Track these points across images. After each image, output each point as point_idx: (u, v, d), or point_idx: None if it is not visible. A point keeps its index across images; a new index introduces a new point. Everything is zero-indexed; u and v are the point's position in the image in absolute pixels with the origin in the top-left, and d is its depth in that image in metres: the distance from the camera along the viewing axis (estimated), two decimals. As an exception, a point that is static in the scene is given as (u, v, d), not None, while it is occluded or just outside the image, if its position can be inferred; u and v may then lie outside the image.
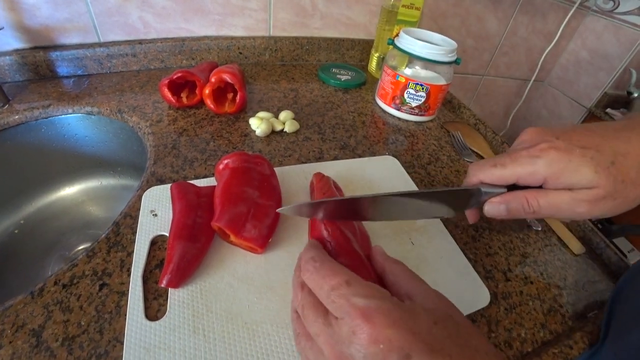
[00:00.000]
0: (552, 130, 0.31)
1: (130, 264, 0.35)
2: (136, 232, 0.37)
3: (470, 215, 0.37)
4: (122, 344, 0.29)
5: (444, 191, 0.33)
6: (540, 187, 0.31)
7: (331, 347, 0.22)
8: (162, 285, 0.32)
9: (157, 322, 0.30)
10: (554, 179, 0.29)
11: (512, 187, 0.32)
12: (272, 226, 0.38)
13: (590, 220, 0.51)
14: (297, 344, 0.26)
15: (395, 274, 0.28)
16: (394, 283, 0.27)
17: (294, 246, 0.38)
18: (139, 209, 0.40)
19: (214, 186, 0.40)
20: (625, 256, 0.85)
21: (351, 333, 0.21)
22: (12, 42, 0.61)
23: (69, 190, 0.66)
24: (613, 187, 0.28)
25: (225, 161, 0.41)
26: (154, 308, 0.32)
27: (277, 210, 0.34)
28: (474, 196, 0.33)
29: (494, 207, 0.33)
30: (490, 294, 0.38)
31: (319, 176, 0.43)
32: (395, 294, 0.25)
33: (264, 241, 0.36)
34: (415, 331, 0.21)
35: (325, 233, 0.32)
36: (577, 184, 0.29)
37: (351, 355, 0.21)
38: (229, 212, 0.35)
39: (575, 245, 0.47)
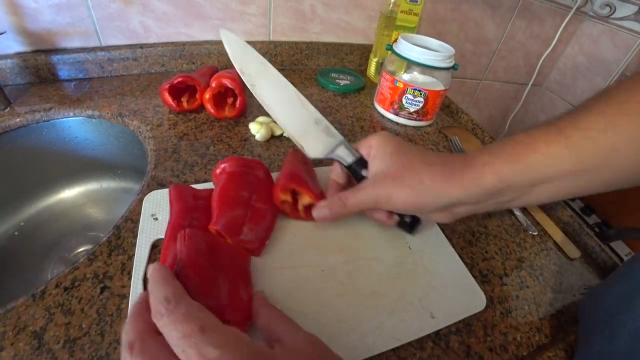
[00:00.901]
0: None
1: (131, 268, 0.35)
2: (137, 236, 0.38)
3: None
4: (123, 346, 0.30)
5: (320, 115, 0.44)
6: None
7: None
8: None
9: (157, 325, 0.31)
10: (371, 162, 0.38)
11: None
12: (268, 229, 0.39)
13: (587, 224, 0.51)
14: None
15: (268, 318, 0.27)
16: (265, 328, 0.27)
17: (290, 249, 0.39)
18: (140, 213, 0.40)
19: (211, 189, 0.41)
20: (622, 260, 0.85)
21: None
22: (14, 45, 0.62)
23: (69, 193, 0.67)
24: (395, 171, 0.35)
25: (222, 165, 0.41)
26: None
27: None
28: (333, 138, 0.43)
29: (320, 210, 0.38)
30: (487, 298, 0.38)
31: (291, 152, 0.47)
32: (266, 339, 0.25)
33: (260, 244, 0.37)
34: None
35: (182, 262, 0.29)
36: (377, 169, 0.37)
37: None
38: (226, 216, 0.36)
39: (571, 250, 0.48)
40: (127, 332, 0.23)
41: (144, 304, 0.24)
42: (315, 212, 0.38)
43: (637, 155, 0.29)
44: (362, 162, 0.39)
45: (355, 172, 0.40)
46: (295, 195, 0.42)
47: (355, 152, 0.40)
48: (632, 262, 0.35)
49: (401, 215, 0.40)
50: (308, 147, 0.42)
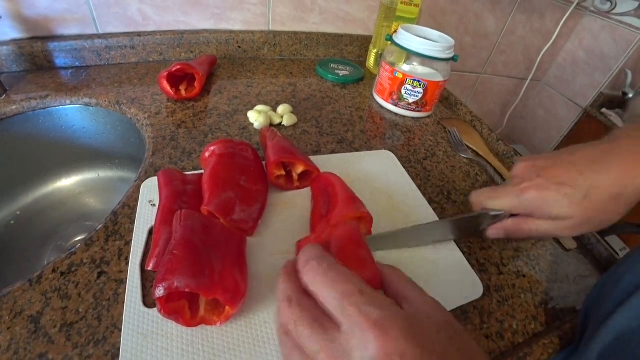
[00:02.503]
0: (536, 165, 0.37)
1: (129, 253, 0.35)
2: (134, 222, 0.38)
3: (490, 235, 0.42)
4: (120, 330, 0.30)
5: (461, 219, 0.40)
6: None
7: None
8: (149, 269, 0.33)
9: (154, 309, 0.31)
10: (537, 212, 0.37)
11: None
12: (260, 210, 0.39)
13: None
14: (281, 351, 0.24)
15: (392, 277, 0.27)
16: (390, 286, 0.27)
17: (282, 230, 0.39)
18: (138, 199, 0.40)
19: (200, 174, 0.41)
20: (617, 254, 0.86)
21: (363, 346, 0.20)
22: (9, 32, 0.61)
23: (66, 182, 0.66)
24: (585, 217, 0.35)
25: (212, 148, 0.41)
26: (152, 295, 0.32)
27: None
28: (483, 219, 0.40)
29: (494, 232, 0.41)
30: (484, 286, 0.38)
31: (267, 130, 0.49)
32: (391, 297, 0.25)
33: (253, 224, 0.37)
34: (424, 341, 0.21)
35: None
36: (556, 216, 0.36)
37: None
38: (218, 197, 0.36)
39: (567, 241, 0.48)
40: (284, 288, 0.24)
41: (292, 268, 0.25)
42: (492, 232, 0.41)
43: None
44: None
45: None
46: (287, 167, 0.44)
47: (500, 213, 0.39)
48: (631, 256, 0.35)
49: None
50: None
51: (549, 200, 0.35)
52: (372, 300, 0.21)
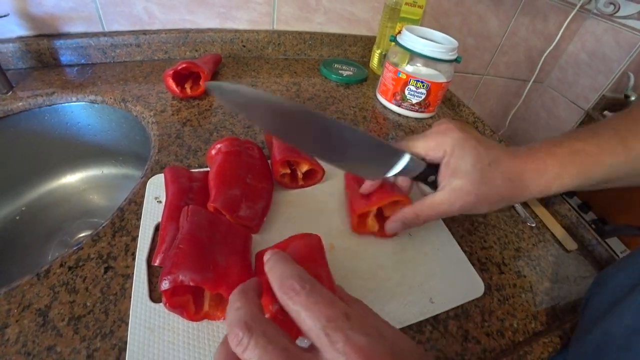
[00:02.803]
0: (462, 127, 0.37)
1: (135, 248, 0.35)
2: (140, 218, 0.38)
3: (372, 186, 0.39)
4: (127, 324, 0.30)
5: (374, 139, 0.35)
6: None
7: None
8: (156, 264, 0.33)
9: (161, 304, 0.31)
10: (446, 159, 0.35)
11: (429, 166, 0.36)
12: (265, 207, 0.40)
13: (583, 219, 0.52)
14: None
15: (361, 315, 0.25)
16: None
17: (287, 228, 0.40)
18: (144, 196, 0.41)
19: (206, 171, 0.41)
20: (618, 256, 0.86)
21: None
22: (16, 29, 0.61)
23: (71, 178, 0.67)
24: (479, 182, 0.34)
25: (218, 146, 0.42)
26: (159, 290, 0.33)
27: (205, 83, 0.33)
28: (396, 158, 0.35)
29: (393, 224, 0.38)
30: (485, 285, 0.39)
31: None
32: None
33: (259, 221, 0.38)
34: None
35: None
36: (456, 171, 0.34)
37: None
38: (224, 194, 0.37)
39: (568, 242, 0.48)
40: (239, 313, 0.20)
41: (251, 286, 0.23)
42: (388, 226, 0.38)
43: None
44: (428, 169, 0.36)
45: (419, 178, 0.37)
46: (291, 166, 0.45)
47: (418, 160, 0.36)
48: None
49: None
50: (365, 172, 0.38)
51: (463, 149, 0.34)
52: (358, 325, 0.20)
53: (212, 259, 0.29)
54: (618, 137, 0.35)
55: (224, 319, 0.30)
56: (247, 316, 0.19)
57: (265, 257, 0.25)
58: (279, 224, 0.40)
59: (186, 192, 0.38)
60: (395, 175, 0.36)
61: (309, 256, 0.30)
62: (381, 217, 0.41)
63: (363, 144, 0.34)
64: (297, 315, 0.20)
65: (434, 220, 0.38)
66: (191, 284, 0.26)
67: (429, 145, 0.36)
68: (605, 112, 1.09)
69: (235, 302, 0.21)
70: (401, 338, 0.22)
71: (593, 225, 0.91)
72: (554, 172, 0.35)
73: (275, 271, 0.23)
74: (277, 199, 0.43)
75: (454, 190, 0.34)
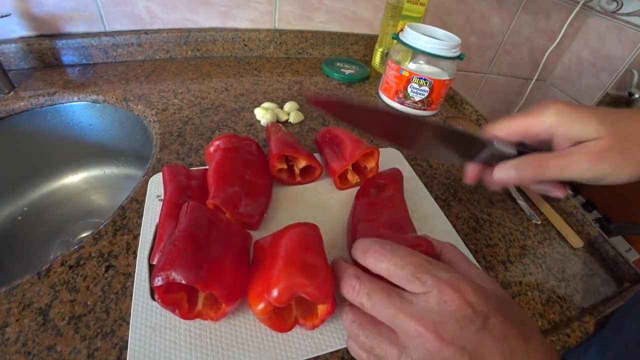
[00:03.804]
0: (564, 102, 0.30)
1: (136, 247, 0.35)
2: (142, 216, 0.38)
3: (471, 171, 0.35)
4: (128, 323, 0.30)
5: (460, 132, 0.32)
6: (548, 149, 0.31)
7: (417, 320, 0.23)
8: (154, 263, 0.33)
9: (163, 302, 0.31)
10: (560, 128, 0.29)
11: (521, 154, 0.31)
12: (265, 204, 0.40)
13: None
14: (353, 336, 0.26)
15: (451, 255, 0.30)
16: (450, 263, 0.29)
17: (282, 223, 0.39)
18: (145, 194, 0.40)
19: (205, 169, 0.41)
20: (623, 255, 0.85)
21: (442, 302, 0.23)
22: (18, 29, 0.61)
23: (73, 178, 0.67)
24: (617, 139, 0.28)
25: (216, 143, 0.42)
26: (151, 287, 0.32)
27: (306, 96, 0.37)
28: (484, 148, 0.32)
29: (503, 171, 0.31)
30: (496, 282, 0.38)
31: (272, 125, 0.50)
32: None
33: (259, 218, 0.38)
34: (489, 299, 0.24)
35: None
36: (582, 135, 0.28)
37: (443, 322, 0.23)
38: (224, 191, 0.36)
39: (574, 239, 0.48)
40: (348, 270, 0.27)
41: (342, 262, 0.29)
42: (499, 172, 0.32)
43: None
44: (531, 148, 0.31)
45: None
46: (289, 161, 0.45)
47: (506, 147, 0.31)
48: None
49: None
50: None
51: (577, 115, 0.28)
52: (440, 266, 0.25)
53: (207, 258, 0.28)
54: None
55: (215, 320, 0.30)
56: (355, 272, 0.27)
57: (352, 248, 0.29)
58: (279, 221, 0.40)
59: (185, 190, 0.38)
60: (486, 161, 0.33)
61: (305, 244, 0.30)
62: (358, 169, 0.47)
63: (451, 136, 0.33)
64: (387, 271, 0.25)
65: (558, 177, 0.30)
66: (183, 282, 0.26)
67: (527, 123, 0.30)
68: (609, 110, 1.08)
69: (343, 267, 0.28)
70: (481, 275, 0.27)
71: (597, 224, 0.91)
72: None
73: (356, 247, 0.28)
74: (276, 195, 0.43)
75: (592, 154, 0.28)
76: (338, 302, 0.28)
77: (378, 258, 0.26)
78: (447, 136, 0.33)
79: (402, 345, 0.24)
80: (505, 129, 0.31)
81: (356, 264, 0.29)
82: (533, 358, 0.23)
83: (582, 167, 0.28)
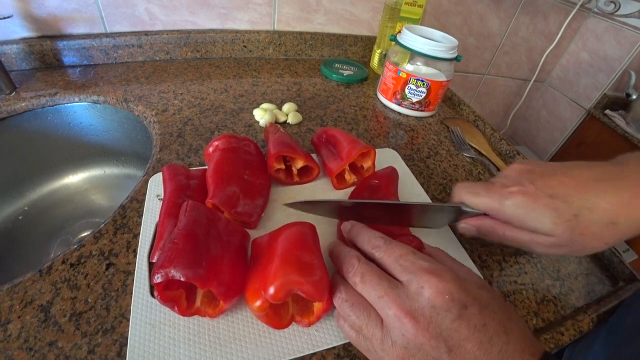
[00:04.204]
0: (532, 171, 0.33)
1: (137, 245, 0.36)
2: (142, 215, 0.38)
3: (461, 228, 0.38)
4: (128, 320, 0.30)
5: (434, 205, 0.37)
6: None
7: (397, 305, 0.25)
8: (153, 261, 0.34)
9: (162, 299, 0.31)
10: (517, 221, 0.32)
11: None
12: (263, 204, 0.40)
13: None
14: (345, 315, 0.28)
15: (440, 256, 0.31)
16: (436, 258, 0.30)
17: (279, 223, 0.40)
18: (145, 194, 0.41)
19: (204, 169, 0.41)
20: (620, 255, 0.86)
21: (420, 288, 0.25)
22: (19, 30, 0.62)
23: (73, 178, 0.67)
24: (569, 238, 0.30)
25: (215, 143, 0.42)
26: (151, 283, 0.33)
27: (284, 204, 0.38)
28: (456, 212, 0.36)
29: (466, 227, 0.37)
30: (486, 282, 0.38)
31: (271, 125, 0.51)
32: None
33: (257, 217, 0.38)
34: (469, 289, 0.25)
35: None
36: (536, 229, 0.31)
37: (420, 308, 0.24)
38: (222, 190, 0.37)
39: (570, 239, 0.48)
40: (350, 251, 0.30)
41: (342, 244, 0.32)
42: (463, 225, 0.37)
43: None
44: None
45: None
46: (287, 162, 0.45)
47: (475, 211, 0.35)
48: None
49: None
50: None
51: (534, 212, 0.31)
52: (422, 257, 0.27)
53: (205, 256, 0.29)
54: None
55: (213, 317, 0.30)
56: (356, 254, 0.29)
57: (345, 227, 0.34)
58: (277, 220, 0.41)
59: (184, 190, 0.38)
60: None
61: (302, 242, 0.30)
62: (355, 168, 0.47)
63: (424, 210, 0.37)
64: (381, 260, 0.28)
65: (514, 245, 0.35)
66: (182, 279, 0.26)
67: (488, 207, 0.34)
68: (607, 111, 1.09)
69: (344, 248, 0.31)
70: (467, 272, 0.29)
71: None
72: None
73: (362, 236, 0.31)
74: (275, 195, 0.43)
75: (541, 244, 0.32)
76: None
77: (376, 249, 0.29)
78: (428, 210, 0.37)
79: (386, 328, 0.26)
80: (470, 203, 0.35)
81: (344, 239, 0.34)
82: (513, 348, 0.24)
83: (533, 249, 0.33)
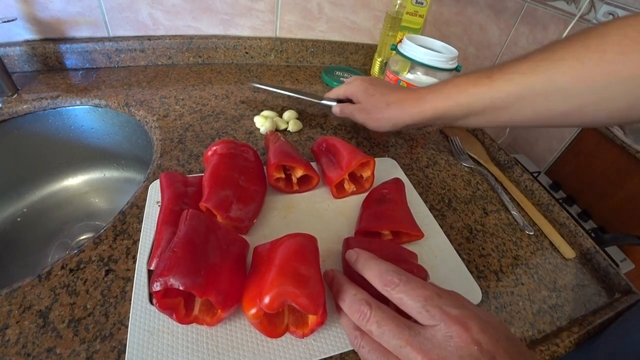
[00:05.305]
0: (370, 81, 0.55)
1: (136, 252, 0.36)
2: (142, 222, 0.39)
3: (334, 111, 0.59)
4: (126, 327, 0.30)
5: (309, 95, 0.63)
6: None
7: (425, 353, 0.24)
8: (151, 268, 0.34)
9: (161, 307, 0.31)
10: (354, 96, 0.55)
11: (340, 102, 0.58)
12: (256, 209, 0.40)
13: (583, 228, 0.52)
14: (361, 354, 0.27)
15: (459, 300, 0.30)
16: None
17: (276, 229, 0.41)
18: (145, 200, 0.41)
19: (201, 176, 0.42)
20: (617, 265, 0.86)
21: (448, 337, 0.24)
22: (23, 33, 0.62)
23: (73, 181, 0.67)
24: (368, 105, 0.52)
25: (214, 147, 0.42)
26: (150, 291, 0.33)
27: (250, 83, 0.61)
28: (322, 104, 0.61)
29: (335, 109, 0.57)
30: (482, 292, 0.39)
31: (271, 134, 0.52)
32: None
33: (249, 223, 0.38)
34: (498, 339, 0.24)
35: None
36: (356, 100, 0.54)
37: (446, 357, 0.23)
38: (216, 194, 0.37)
39: (566, 250, 0.48)
40: (359, 295, 0.28)
41: (346, 281, 0.30)
42: (334, 109, 0.58)
43: (553, 93, 0.36)
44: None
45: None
46: (287, 170, 0.46)
47: (331, 101, 0.59)
48: None
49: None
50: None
51: (361, 87, 0.53)
52: (449, 301, 0.26)
53: (204, 265, 0.29)
54: (489, 71, 0.41)
55: (211, 325, 0.30)
56: (364, 297, 0.28)
57: (351, 257, 0.32)
58: (275, 227, 0.41)
59: (181, 197, 0.39)
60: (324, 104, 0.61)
61: (301, 254, 0.31)
62: (354, 178, 0.48)
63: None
64: (400, 300, 0.26)
65: (349, 116, 0.56)
66: (181, 288, 0.26)
67: (342, 91, 0.57)
68: (605, 122, 1.09)
69: (350, 289, 0.29)
70: (486, 313, 0.27)
71: (592, 234, 0.92)
72: (430, 100, 0.46)
73: (372, 269, 0.29)
74: (274, 203, 0.44)
75: (354, 109, 0.54)
76: (329, 313, 0.29)
77: (393, 288, 0.27)
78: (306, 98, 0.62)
79: None
80: (331, 94, 0.59)
81: (349, 267, 0.31)
82: None
83: (354, 116, 0.54)
